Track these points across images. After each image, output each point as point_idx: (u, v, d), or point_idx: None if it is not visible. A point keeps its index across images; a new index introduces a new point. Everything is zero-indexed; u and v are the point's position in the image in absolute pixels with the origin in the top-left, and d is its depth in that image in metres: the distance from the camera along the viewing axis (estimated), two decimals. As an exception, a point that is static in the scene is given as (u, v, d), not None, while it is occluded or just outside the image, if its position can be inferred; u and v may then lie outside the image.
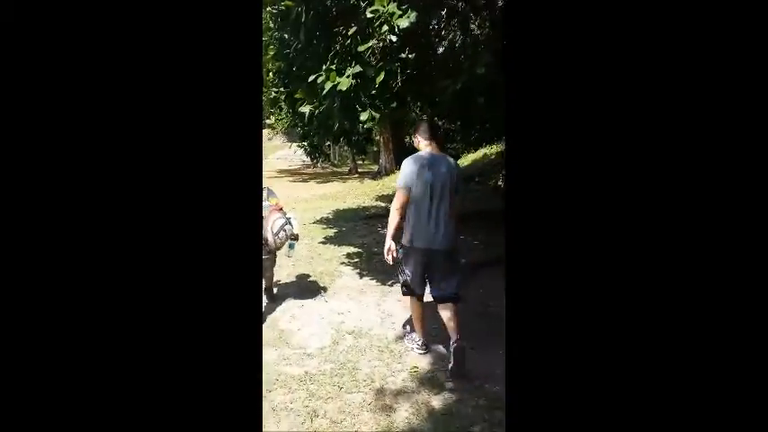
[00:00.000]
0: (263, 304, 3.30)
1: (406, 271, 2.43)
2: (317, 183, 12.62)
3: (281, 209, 3.07)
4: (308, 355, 2.63)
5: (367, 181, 12.09)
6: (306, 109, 3.25)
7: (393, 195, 2.48)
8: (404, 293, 2.57)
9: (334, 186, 11.59)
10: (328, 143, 15.23)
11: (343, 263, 4.53)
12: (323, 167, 16.26)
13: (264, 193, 3.10)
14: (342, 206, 8.41)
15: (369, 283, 3.89)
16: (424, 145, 2.40)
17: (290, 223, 2.99)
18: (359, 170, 14.44)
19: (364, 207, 8.14)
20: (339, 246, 5.22)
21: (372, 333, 2.89)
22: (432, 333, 2.76)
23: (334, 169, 16.09)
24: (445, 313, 2.40)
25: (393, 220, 2.35)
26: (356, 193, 10.01)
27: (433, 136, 2.42)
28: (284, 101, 4.47)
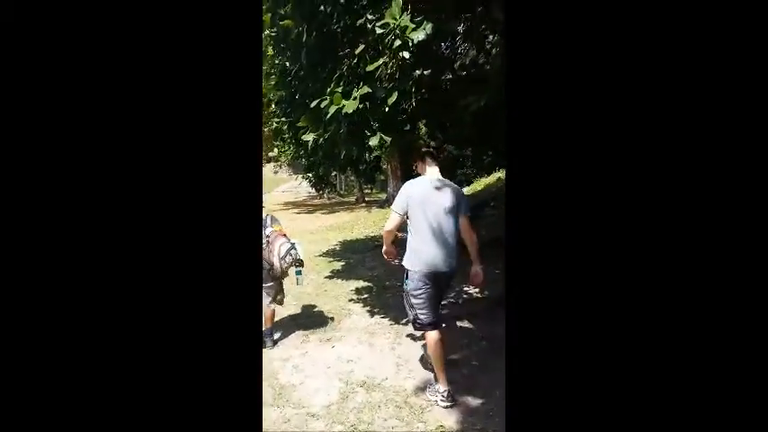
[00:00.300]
0: (264, 347, 2.97)
1: (414, 303, 2.27)
2: (324, 213, 12.34)
3: (284, 234, 3.04)
4: (313, 415, 2.25)
5: (375, 210, 11.81)
6: (309, 137, 2.98)
7: (402, 225, 2.33)
8: (416, 328, 2.39)
9: (341, 217, 11.31)
10: (334, 173, 15.10)
11: (351, 299, 4.18)
12: (329, 198, 16.05)
13: (268, 220, 3.10)
14: (349, 237, 8.09)
15: (380, 321, 3.53)
16: (424, 170, 2.36)
17: (294, 248, 2.95)
18: (366, 199, 14.19)
19: (372, 237, 7.81)
20: (347, 280, 4.87)
21: (387, 385, 2.51)
22: (457, 380, 2.38)
23: (341, 199, 15.87)
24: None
25: (386, 240, 2.39)
26: (364, 223, 9.71)
27: (434, 160, 2.37)
28: (287, 131, 4.24)
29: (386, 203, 12.15)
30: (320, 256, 6.42)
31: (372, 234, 8.17)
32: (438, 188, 2.25)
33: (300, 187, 16.57)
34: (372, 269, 5.30)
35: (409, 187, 2.27)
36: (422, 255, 2.21)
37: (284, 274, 2.98)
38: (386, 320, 3.52)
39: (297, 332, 3.39)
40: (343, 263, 5.83)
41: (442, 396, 2.23)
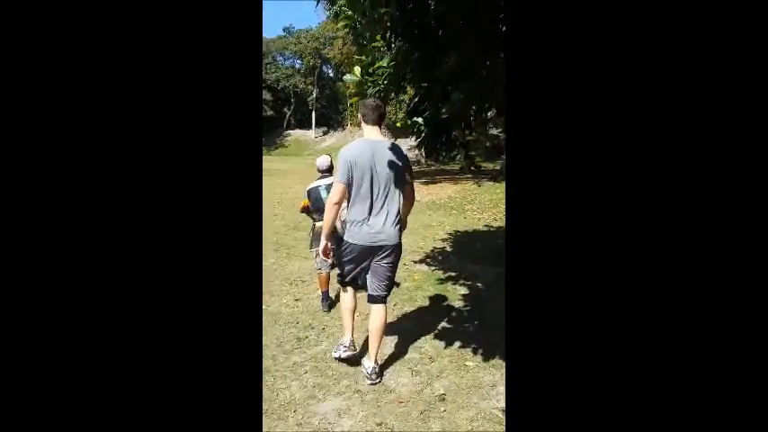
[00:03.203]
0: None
1: (343, 267, 2.08)
2: (423, 183, 9.81)
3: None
4: None
5: (486, 184, 8.99)
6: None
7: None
8: (339, 282, 2.20)
9: (445, 189, 8.70)
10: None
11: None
12: (428, 164, 13.36)
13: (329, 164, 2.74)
14: (462, 224, 5.49)
15: None
16: (367, 130, 2.00)
17: None
18: (472, 168, 11.29)
19: (498, 228, 5.14)
20: (488, 344, 2.33)
21: None
22: None
23: (441, 167, 13.09)
24: (374, 321, 2.06)
25: (329, 217, 1.99)
26: (477, 204, 7.01)
27: (379, 119, 2.00)
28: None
29: (499, 176, 9.22)
30: (423, 261, 3.90)
31: (495, 223, 5.47)
32: (380, 151, 1.93)
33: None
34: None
35: (349, 152, 1.94)
36: (362, 228, 1.96)
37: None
38: None
39: None
40: (468, 284, 3.27)
41: (345, 347, 2.15)
